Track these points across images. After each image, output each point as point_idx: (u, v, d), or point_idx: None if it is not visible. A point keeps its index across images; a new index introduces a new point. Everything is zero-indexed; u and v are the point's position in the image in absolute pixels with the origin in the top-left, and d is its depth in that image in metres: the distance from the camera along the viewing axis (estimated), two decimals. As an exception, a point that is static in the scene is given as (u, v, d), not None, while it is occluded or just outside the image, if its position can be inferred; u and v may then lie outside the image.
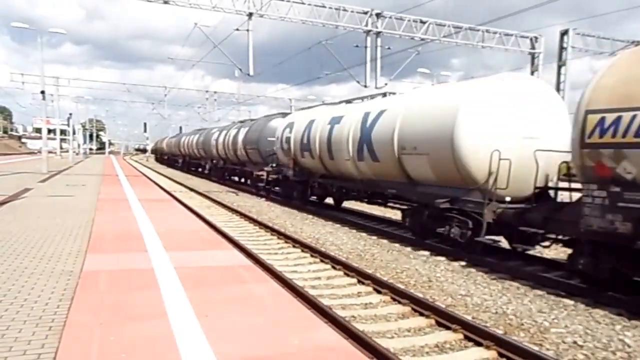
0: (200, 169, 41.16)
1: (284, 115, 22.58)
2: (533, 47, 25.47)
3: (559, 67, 23.63)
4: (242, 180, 29.46)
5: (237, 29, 20.21)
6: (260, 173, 21.62)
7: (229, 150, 28.28)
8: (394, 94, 13.98)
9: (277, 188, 20.61)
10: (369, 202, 15.17)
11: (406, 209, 12.43)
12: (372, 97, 14.84)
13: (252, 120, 28.05)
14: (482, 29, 23.75)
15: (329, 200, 18.62)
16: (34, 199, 13.29)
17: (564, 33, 23.09)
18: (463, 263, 9.61)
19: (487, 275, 8.69)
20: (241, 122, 29.82)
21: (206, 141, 35.28)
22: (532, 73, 25.00)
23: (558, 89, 22.47)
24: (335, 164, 14.90)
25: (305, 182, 17.81)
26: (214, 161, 33.89)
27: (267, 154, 21.12)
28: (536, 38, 25.37)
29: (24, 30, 27.69)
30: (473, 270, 9.09)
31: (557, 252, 11.09)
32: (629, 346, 5.48)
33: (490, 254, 9.85)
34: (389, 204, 15.99)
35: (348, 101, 16.02)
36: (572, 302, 7.12)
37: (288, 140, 18.13)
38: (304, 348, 3.87)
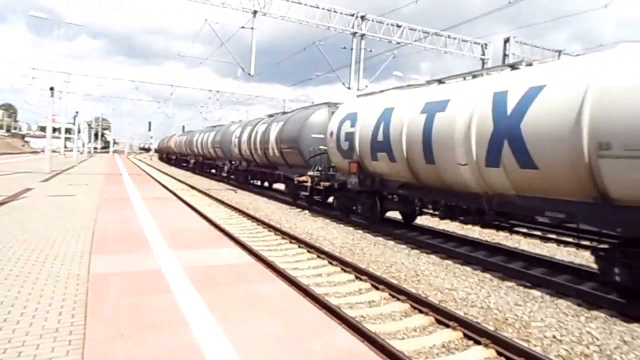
0: (215, 171, 32.77)
1: (330, 105, 16.80)
2: (483, 53, 25.59)
3: (502, 73, 23.78)
4: (267, 184, 23.66)
5: (243, 27, 19.67)
6: (302, 179, 15.83)
7: (256, 150, 21.44)
8: (530, 65, 8.54)
9: (317, 197, 15.35)
10: (482, 226, 9.66)
11: (608, 251, 6.79)
12: (489, 70, 9.84)
13: (284, 113, 21.22)
14: (445, 34, 23.72)
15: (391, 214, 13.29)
16: (34, 199, 12.19)
17: (507, 41, 23.22)
18: (441, 255, 9.40)
19: (463, 267, 8.49)
20: (270, 116, 22.82)
21: (225, 139, 27.64)
22: (481, 77, 25.22)
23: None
24: (436, 170, 9.38)
25: (375, 192, 12.17)
26: (234, 162, 26.50)
27: (311, 155, 15.74)
28: (486, 45, 25.52)
29: (42, 22, 25.96)
30: (450, 262, 8.91)
31: (513, 241, 11.10)
32: (597, 339, 5.32)
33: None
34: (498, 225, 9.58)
35: (440, 81, 10.61)
36: (539, 294, 6.98)
37: (350, 137, 12.34)
38: (328, 354, 3.43)
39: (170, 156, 57.92)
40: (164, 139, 71.69)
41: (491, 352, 4.90)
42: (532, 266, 8.43)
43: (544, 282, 7.34)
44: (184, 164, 45.77)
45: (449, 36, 23.76)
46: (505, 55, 23.64)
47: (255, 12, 19.20)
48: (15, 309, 4.19)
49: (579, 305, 6.44)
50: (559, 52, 26.00)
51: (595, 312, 6.18)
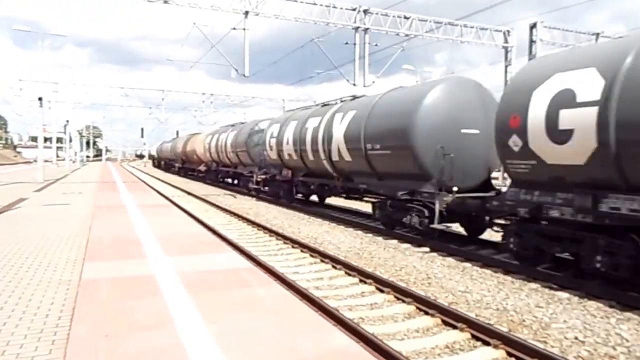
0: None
1: None
2: (506, 41, 25.34)
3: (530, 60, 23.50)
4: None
5: (234, 28, 20.08)
6: None
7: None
8: None
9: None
10: None
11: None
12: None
13: None
14: (460, 23, 23.66)
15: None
16: (29, 209, 12.81)
17: (533, 26, 22.98)
18: (458, 258, 9.43)
19: (482, 270, 8.54)
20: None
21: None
22: (505, 67, 25.03)
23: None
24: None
25: None
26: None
27: None
28: (508, 32, 25.30)
29: (26, 34, 26.97)
30: (468, 265, 8.94)
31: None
32: (627, 340, 5.33)
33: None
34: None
35: None
36: (566, 296, 6.97)
37: None
38: (319, 354, 3.62)
39: (190, 167, 40.18)
40: (172, 140, 53.76)
41: (500, 353, 5.01)
42: (563, 268, 8.18)
43: (574, 284, 7.29)
44: (227, 182, 29.56)
45: (465, 25, 23.75)
46: (532, 42, 23.43)
47: (246, 13, 19.53)
48: (3, 312, 4.52)
49: (611, 307, 6.43)
50: (597, 35, 25.32)
51: (628, 314, 6.15)
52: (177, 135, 61.33)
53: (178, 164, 46.01)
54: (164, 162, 58.86)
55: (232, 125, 28.82)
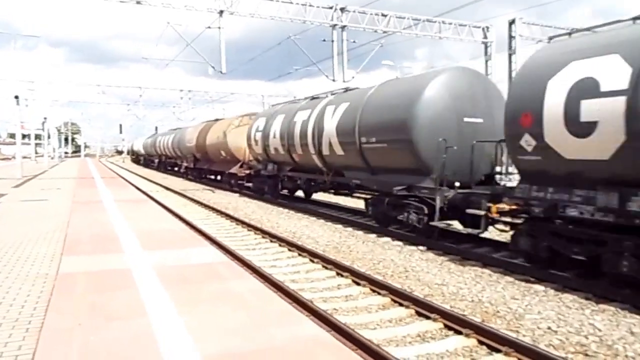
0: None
1: None
2: (485, 37, 25.73)
3: (510, 56, 23.76)
4: None
5: (209, 27, 20.02)
6: None
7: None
8: None
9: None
10: None
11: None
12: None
13: None
14: (438, 20, 23.96)
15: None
16: (7, 205, 12.71)
17: (512, 22, 23.37)
18: (437, 252, 9.53)
19: (460, 264, 8.66)
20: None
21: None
22: (485, 62, 25.42)
23: (510, 77, 22.61)
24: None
25: None
26: None
27: None
28: (487, 28, 25.67)
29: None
30: (446, 259, 9.06)
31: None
32: (600, 330, 5.48)
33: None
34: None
35: None
36: (542, 288, 7.12)
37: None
38: (289, 341, 3.73)
39: (211, 168, 27.71)
40: (175, 131, 39.48)
41: (472, 342, 5.15)
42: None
43: (550, 277, 7.44)
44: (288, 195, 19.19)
45: (443, 22, 24.05)
46: (511, 37, 23.79)
47: (221, 12, 19.51)
48: (-21, 303, 4.58)
49: (586, 299, 6.55)
50: (575, 30, 25.78)
51: (603, 306, 6.27)
52: (156, 131, 59.93)
53: (187, 163, 32.63)
54: (158, 161, 47.19)
55: (314, 98, 15.85)
